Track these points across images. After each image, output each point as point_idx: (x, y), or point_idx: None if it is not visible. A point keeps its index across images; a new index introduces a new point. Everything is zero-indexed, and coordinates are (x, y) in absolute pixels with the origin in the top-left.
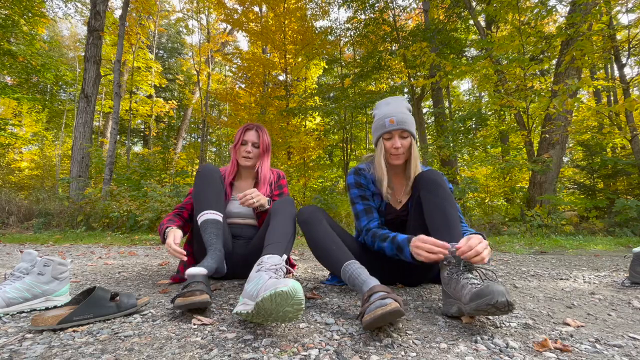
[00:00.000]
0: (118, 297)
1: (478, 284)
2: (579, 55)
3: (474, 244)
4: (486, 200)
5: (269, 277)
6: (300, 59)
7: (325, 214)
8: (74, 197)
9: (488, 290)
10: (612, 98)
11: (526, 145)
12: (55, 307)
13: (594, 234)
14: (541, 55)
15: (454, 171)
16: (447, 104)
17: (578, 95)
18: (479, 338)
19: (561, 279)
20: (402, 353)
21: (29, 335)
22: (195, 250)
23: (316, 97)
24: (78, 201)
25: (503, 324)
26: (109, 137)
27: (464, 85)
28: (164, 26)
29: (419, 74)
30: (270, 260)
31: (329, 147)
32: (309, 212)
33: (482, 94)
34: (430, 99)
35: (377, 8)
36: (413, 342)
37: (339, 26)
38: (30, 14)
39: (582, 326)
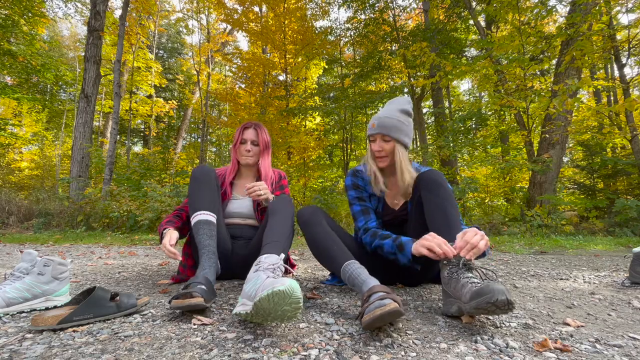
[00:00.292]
0: (118, 297)
1: (478, 283)
2: (579, 55)
3: (470, 237)
4: (486, 200)
5: (267, 276)
6: (300, 59)
7: (325, 214)
8: (74, 197)
9: (488, 289)
10: (612, 98)
11: (526, 145)
12: (55, 307)
13: (594, 234)
14: (541, 55)
15: (454, 171)
16: (447, 104)
17: (578, 95)
18: (479, 338)
19: (561, 279)
20: (402, 353)
21: (29, 335)
22: (194, 251)
23: (316, 97)
24: (78, 201)
25: (503, 324)
26: (109, 137)
27: (464, 85)
28: (164, 26)
29: (419, 74)
30: (268, 260)
31: (329, 147)
32: (309, 212)
33: (482, 94)
34: (430, 99)
35: (377, 8)
36: (413, 342)
37: (339, 26)
38: (30, 14)
39: (582, 326)
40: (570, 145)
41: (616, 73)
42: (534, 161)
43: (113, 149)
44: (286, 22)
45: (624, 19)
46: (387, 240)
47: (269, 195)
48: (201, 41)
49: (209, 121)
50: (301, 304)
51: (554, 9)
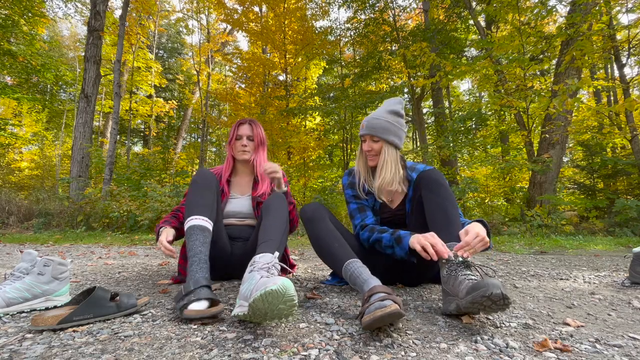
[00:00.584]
0: (118, 297)
1: (475, 279)
2: (579, 55)
3: (470, 239)
4: (486, 200)
5: (261, 276)
6: (300, 59)
7: (329, 212)
8: (74, 197)
9: (483, 283)
10: (612, 98)
11: (526, 145)
12: (55, 307)
13: (594, 234)
14: (541, 55)
15: (454, 171)
16: (447, 104)
17: (578, 95)
18: (479, 338)
19: (561, 279)
20: (402, 353)
21: (29, 335)
22: None
23: (316, 97)
24: (78, 201)
25: (503, 324)
26: (109, 137)
27: (464, 85)
28: (164, 26)
29: (419, 74)
30: (263, 260)
31: (329, 147)
32: (312, 209)
33: (482, 94)
34: (430, 99)
35: (377, 8)
36: (413, 342)
37: (339, 26)
38: (30, 14)
39: (582, 326)
40: (570, 145)
41: (616, 73)
42: (534, 161)
43: (113, 149)
44: (286, 22)
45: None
46: (385, 234)
47: (282, 183)
48: (201, 41)
49: (209, 121)
50: (295, 301)
51: (554, 9)
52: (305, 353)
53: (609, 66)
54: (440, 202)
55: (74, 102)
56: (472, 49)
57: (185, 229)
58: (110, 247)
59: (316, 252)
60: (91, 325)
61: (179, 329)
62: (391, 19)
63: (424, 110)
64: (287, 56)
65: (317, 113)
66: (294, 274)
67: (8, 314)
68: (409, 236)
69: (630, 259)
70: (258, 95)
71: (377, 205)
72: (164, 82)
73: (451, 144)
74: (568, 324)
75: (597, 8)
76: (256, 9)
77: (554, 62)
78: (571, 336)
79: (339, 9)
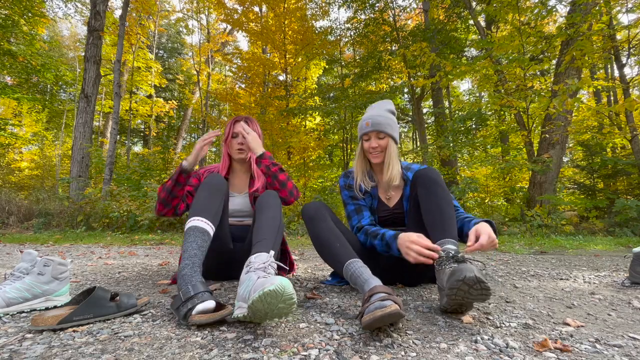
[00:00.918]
0: (118, 297)
1: (455, 266)
2: (579, 55)
3: (485, 241)
4: (486, 200)
5: (258, 277)
6: (300, 59)
7: (330, 211)
8: (74, 197)
9: (458, 268)
10: (612, 98)
11: (526, 145)
12: (55, 307)
13: (594, 234)
14: (541, 55)
15: (454, 171)
16: (447, 104)
17: (578, 95)
18: (479, 338)
19: (561, 279)
20: (402, 353)
21: (29, 335)
22: None
23: (316, 97)
24: (78, 201)
25: (503, 324)
26: (109, 137)
27: (464, 85)
28: (164, 26)
29: (419, 74)
30: (259, 259)
31: (329, 147)
32: (314, 208)
33: (482, 94)
34: (430, 99)
35: (377, 8)
36: (413, 342)
37: (339, 26)
38: (30, 14)
39: (582, 326)
40: (570, 145)
41: (616, 73)
42: (534, 161)
43: (113, 149)
44: (286, 22)
45: (624, 19)
46: (376, 241)
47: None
48: (201, 41)
49: (209, 121)
50: (294, 300)
51: (554, 9)
52: (305, 353)
53: (609, 66)
54: (436, 201)
55: (74, 102)
56: (472, 49)
57: (185, 228)
58: (110, 247)
59: (317, 251)
60: (91, 325)
61: (179, 329)
62: (391, 19)
63: (424, 110)
64: (287, 56)
65: (317, 113)
66: (294, 274)
67: (8, 314)
68: (395, 243)
69: (630, 259)
70: (258, 95)
71: (374, 204)
72: (164, 82)
73: (451, 144)
74: (568, 324)
75: (597, 8)
76: (256, 9)
77: (554, 62)
78: (571, 336)
79: (339, 9)
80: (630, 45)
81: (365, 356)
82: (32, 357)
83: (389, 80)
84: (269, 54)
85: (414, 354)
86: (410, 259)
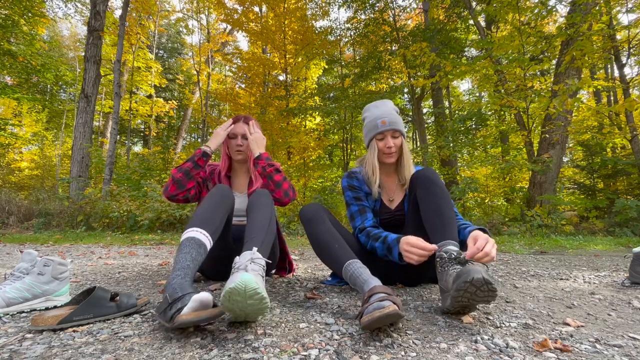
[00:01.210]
0: (118, 297)
1: (460, 267)
2: (579, 55)
3: (481, 245)
4: (486, 200)
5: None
6: (300, 59)
7: (328, 213)
8: (74, 197)
9: (465, 270)
10: (612, 98)
11: (526, 145)
12: (55, 307)
13: (594, 234)
14: (541, 55)
15: (454, 171)
16: (447, 104)
17: (578, 95)
18: (479, 338)
19: (561, 279)
20: (402, 353)
21: (29, 335)
22: None
23: (316, 97)
24: (78, 201)
25: (503, 324)
26: (109, 137)
27: (464, 85)
28: (164, 26)
29: (419, 74)
30: (242, 259)
31: (329, 147)
32: (312, 210)
33: (482, 94)
34: (430, 99)
35: (377, 8)
36: (413, 342)
37: (339, 26)
38: (30, 14)
39: (582, 326)
40: (570, 145)
41: (616, 73)
42: (534, 161)
43: (113, 149)
44: (286, 22)
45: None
46: (377, 244)
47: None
48: (201, 41)
49: (209, 121)
50: (261, 294)
51: (554, 9)
52: (305, 353)
53: (609, 66)
54: (435, 202)
55: (74, 102)
56: (472, 49)
57: (182, 237)
58: (110, 247)
59: (316, 253)
60: (91, 325)
61: (179, 329)
62: (391, 19)
63: (424, 110)
64: (287, 56)
65: (317, 113)
66: (294, 274)
67: (8, 314)
68: (396, 247)
69: (630, 259)
70: (258, 95)
71: (377, 206)
72: (164, 82)
73: (451, 144)
74: (568, 324)
75: (597, 8)
76: (256, 9)
77: (554, 62)
78: (571, 336)
79: (339, 9)
80: (630, 45)
81: (365, 356)
82: (32, 357)
83: (389, 80)
84: (269, 54)
85: (414, 354)
86: (413, 262)
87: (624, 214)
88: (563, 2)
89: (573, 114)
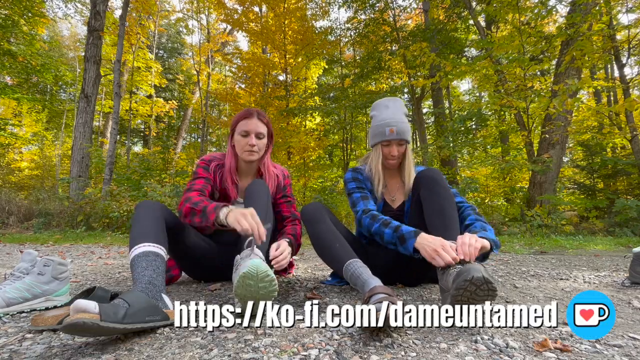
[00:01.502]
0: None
1: (460, 267)
2: (579, 55)
3: (465, 247)
4: (486, 200)
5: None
6: (300, 59)
7: (329, 212)
8: (74, 197)
9: (465, 269)
10: (612, 98)
11: (526, 146)
12: (55, 307)
13: (594, 234)
14: (541, 55)
15: (454, 171)
16: (447, 104)
17: (578, 95)
18: (479, 338)
19: (561, 279)
20: (402, 353)
21: (29, 335)
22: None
23: (316, 97)
24: (78, 201)
25: None
26: (109, 137)
27: (464, 85)
28: (164, 26)
29: (419, 74)
30: (243, 254)
31: (329, 147)
32: (313, 209)
33: (482, 94)
34: (430, 99)
35: (377, 8)
36: (413, 342)
37: (339, 26)
38: (30, 14)
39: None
40: (570, 145)
41: (616, 73)
42: (534, 161)
43: (113, 149)
44: (286, 22)
45: (624, 19)
46: (387, 230)
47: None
48: (201, 41)
49: (209, 121)
50: (271, 276)
51: (554, 9)
52: (305, 353)
53: (609, 66)
54: (438, 202)
55: (74, 102)
56: (472, 49)
57: (131, 257)
58: (110, 247)
59: (317, 252)
60: None
61: (179, 329)
62: (391, 19)
63: (424, 110)
64: (287, 56)
65: (317, 113)
66: (294, 274)
67: (8, 314)
68: (413, 239)
69: (630, 259)
70: (258, 95)
71: (379, 206)
72: (164, 82)
73: (451, 144)
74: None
75: (597, 8)
76: (256, 9)
77: (554, 62)
78: (571, 336)
79: (339, 9)
80: (630, 45)
81: (365, 356)
82: (32, 357)
83: (389, 80)
84: (269, 54)
85: (414, 354)
86: (434, 262)
87: (624, 214)
88: (563, 2)
89: (573, 114)
